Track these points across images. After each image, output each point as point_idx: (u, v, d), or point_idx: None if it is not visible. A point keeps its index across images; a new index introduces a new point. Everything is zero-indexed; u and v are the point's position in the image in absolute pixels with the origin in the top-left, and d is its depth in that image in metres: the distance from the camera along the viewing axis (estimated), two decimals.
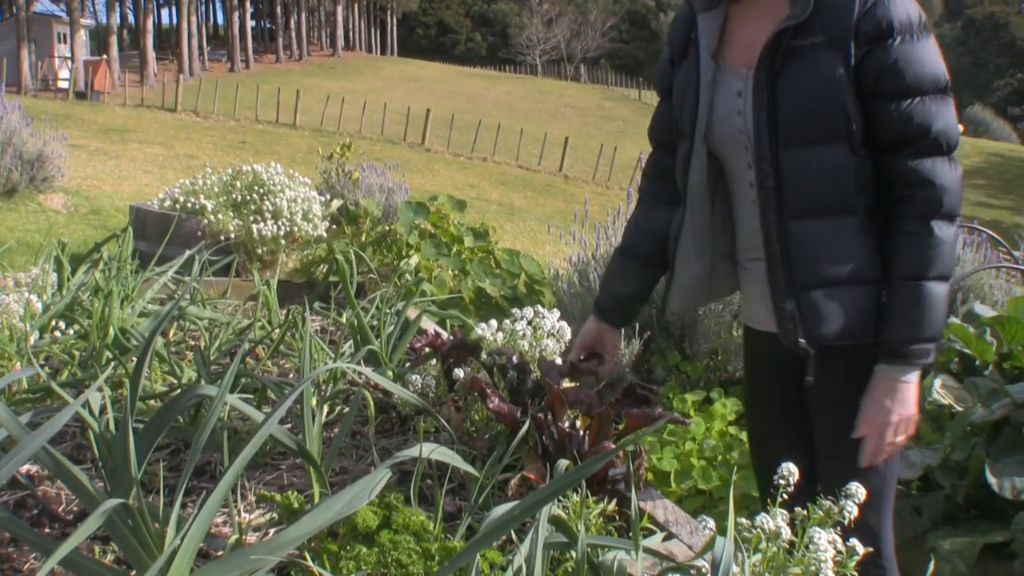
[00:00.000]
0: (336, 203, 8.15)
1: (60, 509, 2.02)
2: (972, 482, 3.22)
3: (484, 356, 2.48)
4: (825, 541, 1.40)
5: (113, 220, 10.69)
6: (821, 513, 1.50)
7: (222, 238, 6.70)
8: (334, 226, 7.59)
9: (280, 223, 7.04)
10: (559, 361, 2.45)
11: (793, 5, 1.94)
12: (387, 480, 1.65)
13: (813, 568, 1.39)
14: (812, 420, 2.18)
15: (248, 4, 59.69)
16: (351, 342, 3.06)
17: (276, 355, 3.15)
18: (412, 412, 2.59)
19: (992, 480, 3.08)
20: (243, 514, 1.97)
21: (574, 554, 1.57)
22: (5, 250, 4.17)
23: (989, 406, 3.35)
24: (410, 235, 6.56)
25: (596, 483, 2.06)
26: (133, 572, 1.53)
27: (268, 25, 74.03)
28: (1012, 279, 5.91)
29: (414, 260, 6.18)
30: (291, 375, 2.99)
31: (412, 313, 3.26)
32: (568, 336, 2.72)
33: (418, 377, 2.52)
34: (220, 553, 1.73)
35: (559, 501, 1.84)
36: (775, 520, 1.45)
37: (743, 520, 1.48)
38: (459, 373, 2.46)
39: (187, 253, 3.70)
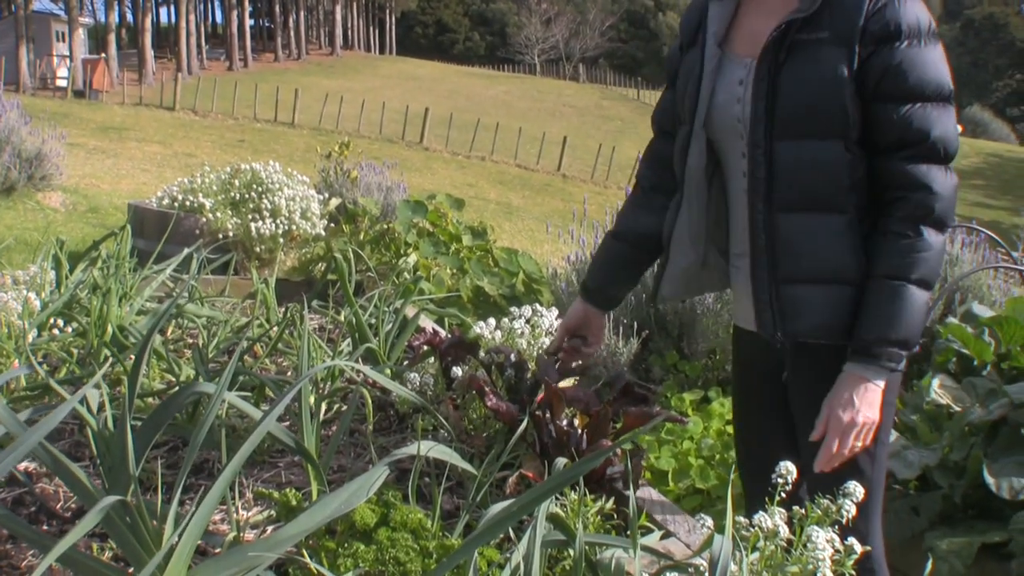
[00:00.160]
0: (334, 202, 8.15)
1: (58, 506, 2.02)
2: (970, 482, 3.22)
3: (482, 354, 2.48)
4: (823, 540, 1.40)
5: (111, 218, 10.68)
6: (819, 512, 1.50)
7: (220, 236, 6.69)
8: (332, 224, 7.59)
9: (278, 221, 7.04)
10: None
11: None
12: (385, 478, 1.66)
13: (811, 567, 1.39)
14: (795, 421, 2.18)
15: (247, 3, 59.64)
16: (349, 340, 3.06)
17: (274, 353, 3.15)
18: (410, 410, 2.59)
19: (990, 480, 3.08)
20: (241, 511, 1.97)
21: (572, 552, 1.57)
22: (3, 248, 4.17)
23: (987, 406, 3.35)
24: (408, 234, 6.56)
25: (594, 481, 2.06)
26: (131, 569, 1.53)
27: (267, 24, 74.00)
28: (1010, 279, 5.91)
29: (412, 258, 6.18)
30: (289, 373, 2.99)
31: (410, 311, 3.26)
32: None
33: (416, 375, 2.52)
34: (218, 550, 1.73)
35: (557, 499, 1.84)
36: (773, 519, 1.45)
37: (741, 519, 1.48)
38: (457, 371, 2.46)
39: (185, 251, 3.70)
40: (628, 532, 1.57)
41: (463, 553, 1.44)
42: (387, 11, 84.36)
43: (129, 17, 65.67)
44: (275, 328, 3.24)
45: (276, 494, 1.78)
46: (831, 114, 1.93)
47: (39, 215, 10.27)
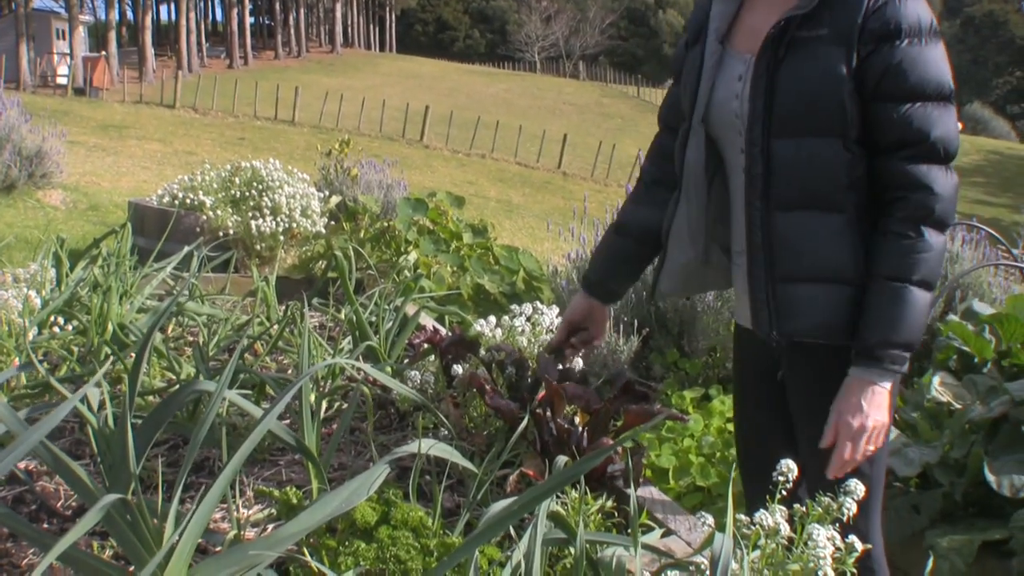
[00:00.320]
0: (335, 199, 8.15)
1: (59, 505, 2.02)
2: (970, 480, 3.22)
3: (483, 352, 2.48)
4: (824, 538, 1.40)
5: (112, 216, 10.69)
6: (820, 510, 1.50)
7: (221, 234, 6.69)
8: (333, 222, 7.59)
9: (279, 219, 7.04)
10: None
11: None
12: (385, 476, 1.65)
13: (812, 565, 1.39)
14: (793, 420, 2.18)
15: (247, 0, 59.64)
16: (350, 338, 3.06)
17: (275, 351, 3.15)
18: (411, 408, 2.60)
19: (991, 478, 3.08)
20: (242, 510, 1.97)
21: (573, 550, 1.57)
22: (4, 246, 4.17)
23: (988, 404, 3.35)
24: (408, 231, 6.56)
25: (595, 479, 2.06)
26: (132, 568, 1.53)
27: (267, 21, 74.02)
28: (1011, 277, 5.91)
29: (413, 256, 6.17)
30: (290, 371, 2.99)
31: (411, 309, 3.26)
32: None
33: (417, 373, 2.52)
34: (219, 549, 1.73)
35: (558, 497, 1.84)
36: (774, 517, 1.44)
37: (742, 517, 1.48)
38: (458, 369, 2.46)
39: (186, 249, 3.70)
40: (629, 530, 1.57)
41: (464, 551, 1.44)
42: (387, 9, 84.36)
43: (129, 15, 65.74)
44: (275, 326, 3.24)
45: (277, 492, 1.78)
46: (829, 112, 1.91)
47: (39, 213, 10.28)
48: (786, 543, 1.45)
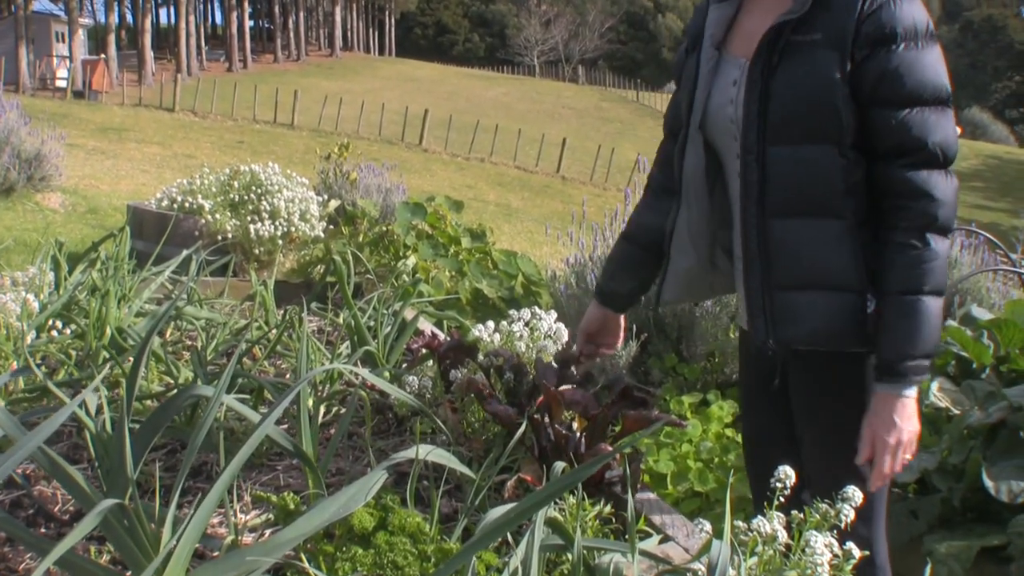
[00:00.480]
0: (333, 203, 8.15)
1: (56, 509, 2.02)
2: (969, 485, 3.22)
3: (481, 357, 2.48)
4: (822, 545, 1.40)
5: (110, 219, 10.68)
6: (817, 517, 1.50)
7: (219, 238, 6.69)
8: (331, 226, 7.59)
9: (277, 223, 7.04)
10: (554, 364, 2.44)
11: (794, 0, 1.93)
12: (383, 481, 1.65)
13: (809, 571, 1.39)
14: (796, 425, 2.17)
15: (246, 4, 59.68)
16: (348, 343, 3.06)
17: (273, 355, 3.15)
18: (409, 413, 2.59)
19: (989, 483, 3.08)
20: (239, 515, 1.97)
21: (570, 556, 1.57)
22: (2, 249, 4.18)
23: (986, 409, 3.35)
24: (407, 236, 6.56)
25: (592, 485, 2.05)
26: (129, 573, 1.53)
27: (266, 25, 74.07)
28: (1009, 282, 5.92)
29: (411, 261, 6.18)
30: (288, 375, 2.99)
31: (409, 314, 3.26)
32: (565, 338, 2.72)
33: (415, 378, 2.52)
34: (216, 554, 1.73)
35: (555, 503, 1.84)
36: (771, 523, 1.44)
37: (739, 523, 1.48)
38: (456, 374, 2.46)
39: (184, 253, 3.70)
40: (626, 536, 1.57)
41: (461, 558, 1.44)
42: (387, 12, 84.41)
43: (129, 18, 65.79)
44: (274, 330, 3.24)
45: (274, 498, 1.78)
46: (824, 117, 1.90)
47: (38, 216, 10.28)
48: (784, 550, 1.45)
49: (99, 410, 1.95)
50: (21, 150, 10.55)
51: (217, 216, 6.92)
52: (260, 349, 3.16)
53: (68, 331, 3.11)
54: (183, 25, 49.04)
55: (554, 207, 22.62)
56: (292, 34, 65.26)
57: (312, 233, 7.24)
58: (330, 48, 70.12)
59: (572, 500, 1.85)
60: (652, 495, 2.22)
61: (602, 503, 1.95)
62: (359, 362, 2.81)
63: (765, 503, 1.50)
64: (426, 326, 3.37)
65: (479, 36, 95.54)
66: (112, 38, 44.29)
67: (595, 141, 34.63)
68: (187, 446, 1.72)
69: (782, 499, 1.50)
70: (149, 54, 44.74)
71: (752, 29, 2.03)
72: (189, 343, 3.33)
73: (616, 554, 1.61)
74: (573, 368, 2.41)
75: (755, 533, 1.45)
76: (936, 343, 1.92)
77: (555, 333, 2.74)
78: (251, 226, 6.93)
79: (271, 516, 1.92)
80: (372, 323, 3.14)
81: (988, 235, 5.61)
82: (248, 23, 60.75)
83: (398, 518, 1.64)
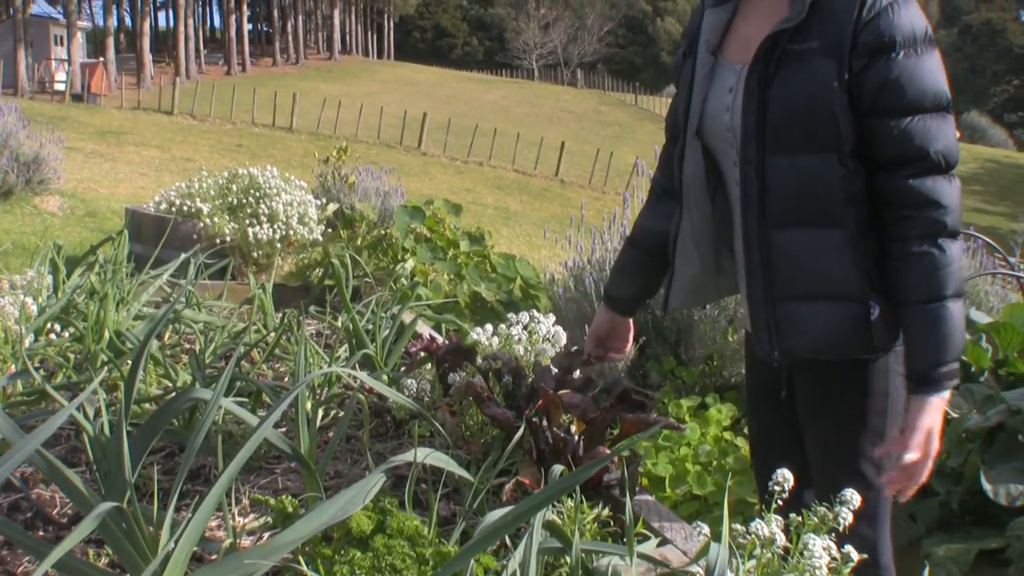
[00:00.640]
0: (332, 207, 8.15)
1: (54, 512, 2.02)
2: (967, 488, 3.22)
3: (479, 360, 2.48)
4: (820, 548, 1.40)
5: (109, 223, 10.68)
6: (816, 519, 1.50)
7: (218, 241, 6.70)
8: (330, 230, 7.59)
9: (276, 227, 7.04)
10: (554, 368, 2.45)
11: (791, 7, 1.90)
12: (381, 484, 1.65)
13: (808, 575, 1.39)
14: (802, 432, 2.17)
15: (245, 7, 59.68)
16: (346, 346, 3.06)
17: (271, 359, 3.15)
18: (407, 416, 2.59)
19: (987, 486, 3.08)
20: (237, 518, 1.97)
21: (568, 559, 1.57)
22: (1, 252, 4.17)
23: (984, 412, 3.36)
24: (406, 239, 6.56)
25: (591, 488, 2.06)
26: None
27: (265, 28, 74.10)
28: (1008, 285, 5.92)
29: (410, 264, 6.17)
30: (286, 379, 2.99)
31: (407, 317, 3.26)
32: (563, 341, 2.73)
33: (413, 381, 2.52)
34: (214, 557, 1.72)
35: (553, 506, 1.84)
36: (770, 526, 1.44)
37: (738, 526, 1.48)
38: (454, 377, 2.46)
39: (183, 256, 3.70)
40: (625, 539, 1.57)
41: (460, 561, 1.44)
42: (385, 16, 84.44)
43: (128, 21, 65.77)
44: (272, 334, 3.23)
45: (272, 501, 1.78)
46: (823, 126, 1.88)
47: (36, 219, 10.27)
48: (782, 553, 1.45)
49: (97, 413, 1.95)
50: (19, 153, 10.55)
51: (215, 219, 6.93)
52: (258, 352, 3.16)
53: (66, 334, 3.11)
54: (182, 28, 49.08)
55: (553, 211, 22.61)
56: (291, 37, 65.28)
57: (310, 236, 7.24)
58: (329, 51, 70.12)
59: (570, 503, 1.85)
60: (650, 498, 2.22)
61: (600, 506, 1.95)
62: (357, 365, 2.81)
63: (772, 503, 1.50)
64: (424, 329, 3.37)
65: (478, 40, 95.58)
66: (111, 41, 44.35)
67: (594, 145, 34.65)
68: (185, 449, 1.72)
69: (781, 501, 1.50)
70: (148, 57, 44.74)
71: (748, 35, 2.02)
72: (187, 346, 3.33)
73: (614, 557, 1.61)
74: (579, 370, 2.42)
75: (753, 536, 1.45)
76: (963, 343, 1.90)
77: (553, 336, 2.74)
78: (249, 229, 6.93)
79: (269, 519, 1.92)
80: (370, 326, 3.14)
81: (986, 239, 5.61)
82: (247, 26, 60.77)
83: (396, 521, 1.64)
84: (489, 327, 2.77)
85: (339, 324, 3.39)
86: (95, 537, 1.76)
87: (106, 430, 1.89)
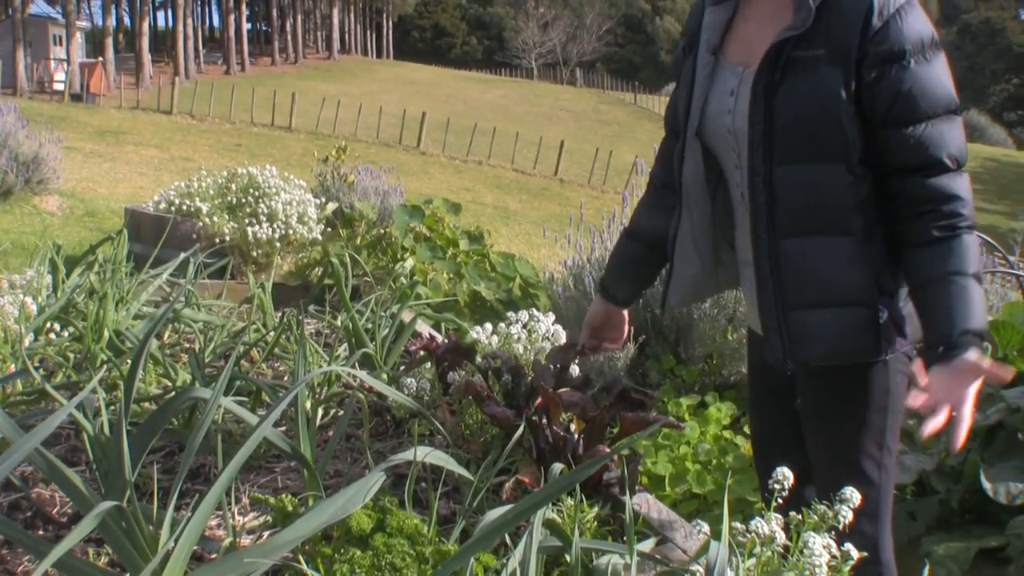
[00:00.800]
0: (331, 206, 8.14)
1: (54, 511, 2.02)
2: (967, 487, 3.22)
3: (479, 359, 2.48)
4: (819, 546, 1.40)
5: (108, 222, 10.67)
6: (815, 518, 1.50)
7: (217, 241, 6.69)
8: (329, 229, 7.58)
9: (275, 226, 7.04)
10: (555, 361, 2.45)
11: (795, 14, 1.88)
12: (381, 483, 1.65)
13: (808, 573, 1.39)
14: (805, 432, 2.16)
15: (244, 7, 59.65)
16: (346, 345, 3.06)
17: (271, 358, 3.15)
18: (407, 415, 2.59)
19: (987, 485, 3.08)
20: (237, 517, 1.97)
21: (568, 558, 1.58)
22: (0, 252, 4.17)
23: (984, 411, 3.35)
24: (405, 238, 6.55)
25: (590, 486, 2.06)
26: (127, 575, 1.53)
27: (264, 28, 74.06)
28: (1007, 284, 5.92)
29: (409, 263, 6.17)
30: (286, 378, 2.99)
31: (407, 316, 3.26)
32: (563, 340, 2.73)
33: (413, 380, 2.52)
34: (214, 556, 1.72)
35: (553, 505, 1.84)
36: (770, 524, 1.44)
37: (738, 524, 1.48)
38: (454, 376, 2.46)
39: (182, 256, 3.70)
40: (624, 538, 1.57)
41: (460, 559, 1.44)
42: (384, 15, 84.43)
43: (127, 21, 65.74)
44: (272, 333, 3.23)
45: (272, 500, 1.78)
46: (830, 135, 1.87)
47: (36, 219, 10.27)
48: (782, 551, 1.45)
49: (97, 412, 1.95)
50: (19, 153, 10.54)
51: (215, 219, 6.92)
52: (258, 351, 3.16)
53: (66, 334, 3.11)
54: (181, 28, 49.07)
55: (552, 209, 22.61)
56: (290, 37, 65.27)
57: (310, 236, 7.24)
58: (328, 51, 70.11)
59: (570, 502, 1.85)
60: (650, 496, 2.21)
61: (600, 504, 1.95)
62: (357, 364, 2.81)
63: (772, 501, 1.50)
64: (424, 328, 3.37)
65: (477, 39, 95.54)
66: (110, 41, 44.36)
67: (593, 144, 34.66)
68: (185, 448, 1.72)
69: (781, 499, 1.50)
70: (147, 57, 44.74)
71: (749, 37, 2.01)
72: (187, 345, 3.33)
73: (614, 555, 1.61)
74: (575, 361, 2.42)
75: (753, 534, 1.45)
76: (986, 323, 1.84)
77: (553, 335, 2.74)
78: (249, 229, 6.92)
79: (269, 518, 1.92)
80: (370, 325, 3.14)
81: (986, 237, 5.60)
82: (246, 26, 60.74)
83: (396, 520, 1.64)
84: (488, 326, 2.77)
85: (338, 323, 3.39)
86: (95, 536, 1.76)
87: (106, 429, 1.89)
